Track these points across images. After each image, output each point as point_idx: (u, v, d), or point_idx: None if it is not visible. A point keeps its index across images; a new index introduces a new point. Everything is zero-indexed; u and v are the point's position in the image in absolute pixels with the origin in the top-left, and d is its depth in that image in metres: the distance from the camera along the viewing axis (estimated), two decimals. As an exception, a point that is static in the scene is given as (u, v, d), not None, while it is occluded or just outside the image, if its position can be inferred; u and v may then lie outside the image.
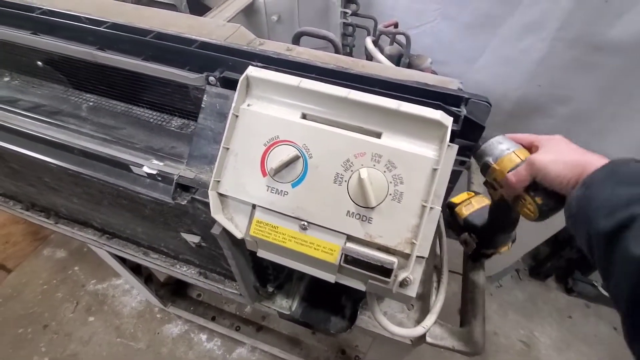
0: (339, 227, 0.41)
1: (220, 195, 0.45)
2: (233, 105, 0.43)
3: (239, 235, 0.45)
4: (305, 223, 0.42)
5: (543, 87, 0.83)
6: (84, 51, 0.52)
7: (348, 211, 0.41)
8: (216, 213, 0.44)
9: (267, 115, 0.43)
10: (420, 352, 1.47)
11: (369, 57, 0.75)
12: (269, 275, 0.64)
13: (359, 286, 0.44)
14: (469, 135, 0.42)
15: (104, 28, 0.53)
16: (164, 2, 0.75)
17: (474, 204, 0.64)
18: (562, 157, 0.42)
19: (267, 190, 0.43)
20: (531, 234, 1.41)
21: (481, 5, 0.85)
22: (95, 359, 1.45)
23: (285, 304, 0.70)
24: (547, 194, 0.43)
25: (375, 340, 0.84)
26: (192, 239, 0.62)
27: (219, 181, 0.45)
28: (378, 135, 0.41)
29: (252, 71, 0.44)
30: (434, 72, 0.71)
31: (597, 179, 0.37)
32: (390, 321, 0.68)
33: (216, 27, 0.57)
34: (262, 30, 0.82)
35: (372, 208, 0.40)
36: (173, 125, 0.57)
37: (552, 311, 1.60)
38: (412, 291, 0.41)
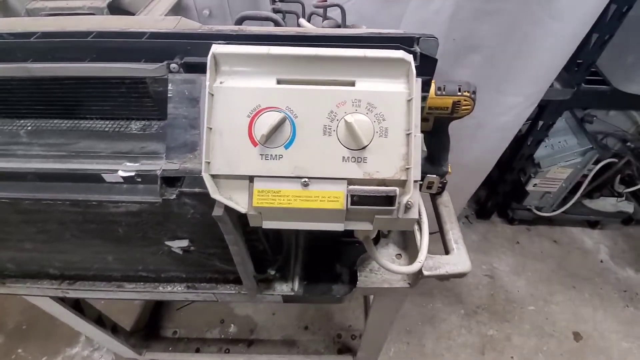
0: (339, 174, 0.44)
1: (213, 177, 0.44)
2: (207, 84, 0.43)
3: (242, 210, 0.44)
4: (307, 179, 0.44)
5: (457, 41, 0.95)
6: (15, 67, 0.47)
7: (343, 157, 0.43)
8: (215, 193, 0.44)
9: (243, 87, 0.44)
10: (405, 312, 1.56)
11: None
12: (267, 259, 0.63)
13: (366, 227, 0.47)
14: (425, 70, 0.48)
15: (34, 39, 0.48)
16: (83, 13, 0.70)
17: None
18: None
19: (262, 159, 0.44)
20: (469, 181, 1.58)
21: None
22: None
23: (286, 288, 0.70)
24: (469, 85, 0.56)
25: (374, 299, 0.87)
26: (179, 244, 0.59)
27: (209, 162, 0.44)
28: (352, 84, 0.45)
29: (218, 48, 0.44)
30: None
31: None
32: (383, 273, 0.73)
33: (155, 22, 0.56)
34: (195, 27, 0.81)
35: (364, 148, 0.43)
36: (133, 129, 0.53)
37: (503, 242, 1.81)
38: (415, 214, 0.45)
